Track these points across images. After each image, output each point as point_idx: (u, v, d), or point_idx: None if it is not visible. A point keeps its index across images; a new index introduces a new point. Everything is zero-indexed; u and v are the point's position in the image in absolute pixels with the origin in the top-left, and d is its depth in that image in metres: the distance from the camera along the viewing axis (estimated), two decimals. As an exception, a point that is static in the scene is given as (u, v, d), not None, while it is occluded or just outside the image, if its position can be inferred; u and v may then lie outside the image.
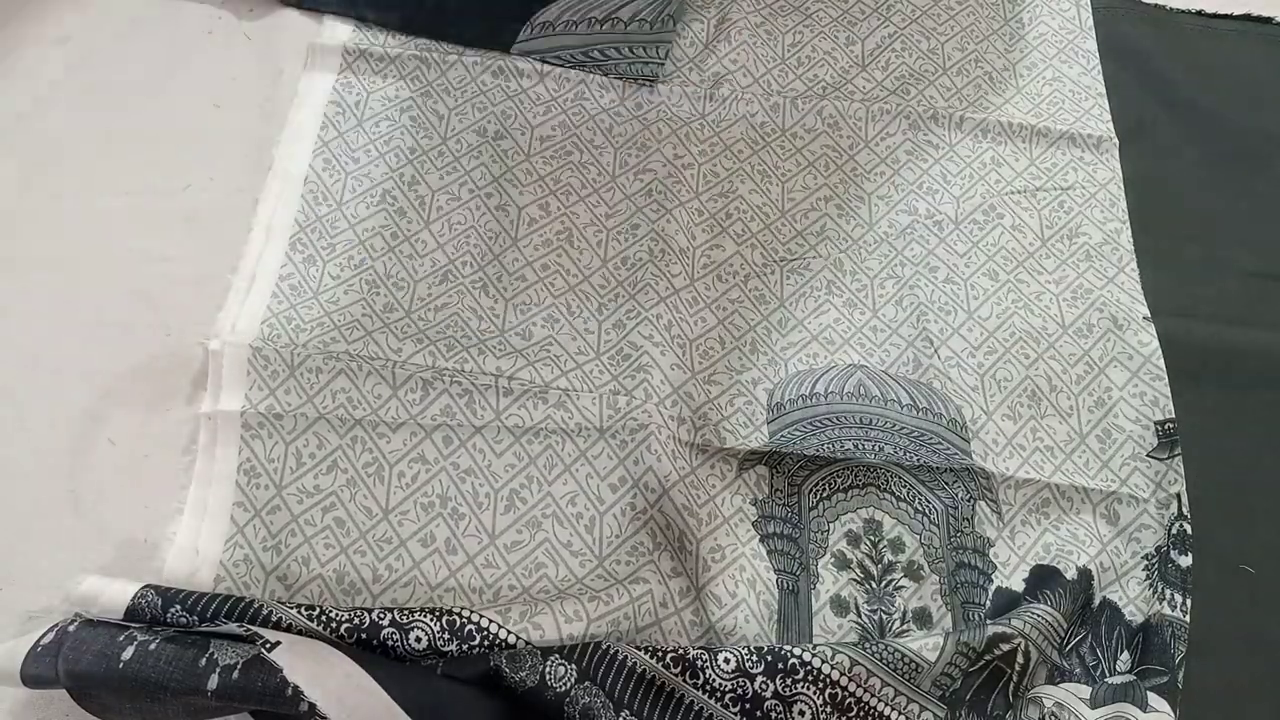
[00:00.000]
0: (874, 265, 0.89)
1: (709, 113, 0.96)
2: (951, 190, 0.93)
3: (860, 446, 0.76)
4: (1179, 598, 0.72)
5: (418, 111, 0.93)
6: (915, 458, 0.76)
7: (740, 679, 0.62)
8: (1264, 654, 0.71)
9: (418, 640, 0.62)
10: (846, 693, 0.63)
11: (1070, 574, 0.72)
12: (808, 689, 0.62)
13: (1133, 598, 0.73)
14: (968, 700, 0.66)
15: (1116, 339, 0.84)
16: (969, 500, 0.75)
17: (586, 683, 0.60)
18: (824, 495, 0.75)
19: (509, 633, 0.63)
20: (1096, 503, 0.77)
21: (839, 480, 0.76)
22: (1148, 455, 0.79)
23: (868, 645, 0.65)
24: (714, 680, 0.62)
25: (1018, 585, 0.73)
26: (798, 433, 0.77)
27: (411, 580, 0.70)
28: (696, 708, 0.61)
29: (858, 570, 0.73)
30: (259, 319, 0.78)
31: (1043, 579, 0.72)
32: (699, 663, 0.62)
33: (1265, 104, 1.01)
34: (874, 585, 0.73)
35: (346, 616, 0.62)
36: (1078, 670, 0.70)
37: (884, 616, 0.71)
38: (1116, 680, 0.69)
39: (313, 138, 0.89)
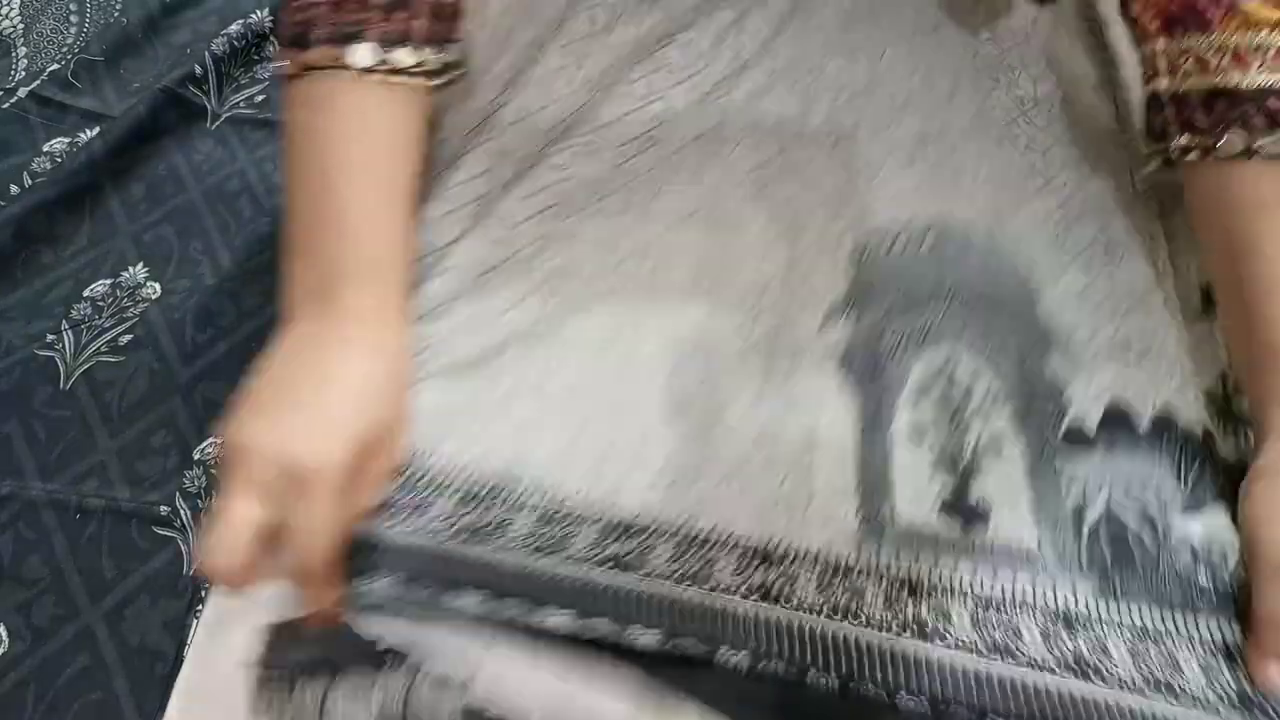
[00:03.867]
0: (964, 123, 0.85)
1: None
2: (1030, 70, 0.88)
3: (939, 289, 0.74)
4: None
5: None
6: (991, 302, 0.74)
7: (895, 607, 0.61)
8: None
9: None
10: (985, 596, 0.61)
11: (1143, 426, 0.69)
12: (953, 601, 0.61)
13: (1196, 418, 0.69)
14: (1112, 563, 0.62)
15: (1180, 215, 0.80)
16: (1042, 346, 0.73)
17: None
18: (906, 333, 0.73)
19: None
20: (1176, 340, 0.72)
21: (920, 319, 0.74)
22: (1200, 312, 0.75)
23: (966, 549, 0.62)
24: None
25: (1092, 422, 0.68)
26: (884, 270, 0.76)
27: None
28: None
29: (938, 400, 0.71)
30: None
31: (1116, 423, 0.69)
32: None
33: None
34: (952, 414, 0.70)
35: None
36: (1208, 498, 0.65)
37: (961, 442, 0.69)
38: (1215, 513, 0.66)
39: None
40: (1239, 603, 0.60)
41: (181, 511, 0.67)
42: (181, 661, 0.62)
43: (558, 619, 0.58)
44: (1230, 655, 0.59)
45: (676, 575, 0.61)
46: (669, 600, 0.60)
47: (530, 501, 0.64)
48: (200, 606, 0.64)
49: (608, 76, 0.86)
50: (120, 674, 0.61)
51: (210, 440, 0.70)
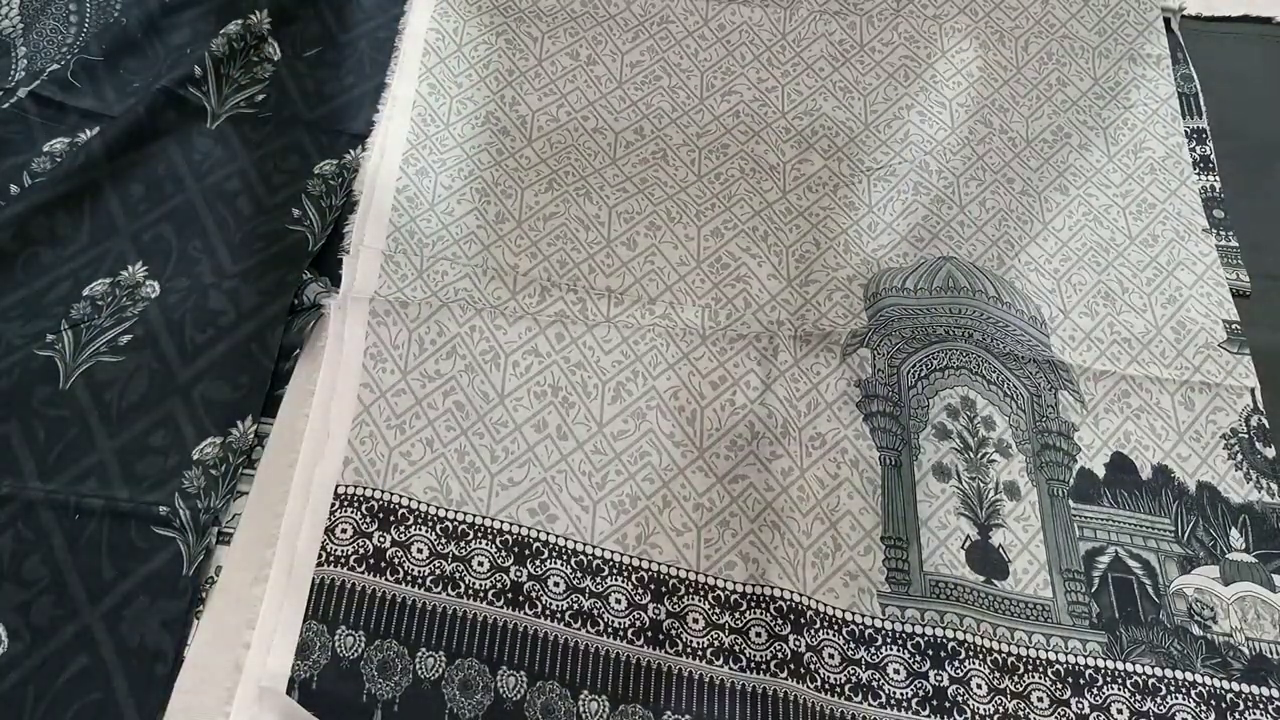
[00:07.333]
0: (958, 165, 0.87)
1: (789, 32, 0.95)
2: (1020, 110, 0.91)
3: (951, 332, 0.76)
4: (1275, 486, 0.72)
5: (512, 34, 0.94)
6: (1002, 345, 0.76)
7: (917, 680, 0.63)
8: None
9: (556, 585, 0.65)
10: (1004, 655, 0.64)
11: (1145, 474, 0.72)
12: (974, 663, 0.63)
13: (1224, 475, 0.73)
14: (1119, 617, 0.66)
15: (1180, 247, 0.83)
16: (1051, 389, 0.75)
17: (540, 683, 0.62)
18: (922, 375, 0.75)
19: (631, 557, 0.66)
20: (1173, 392, 0.75)
21: (935, 360, 0.75)
22: (1219, 345, 0.78)
23: (988, 603, 0.65)
24: (891, 692, 0.62)
25: (1099, 469, 0.72)
26: (895, 313, 0.78)
27: (527, 461, 0.70)
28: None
29: (958, 440, 0.72)
30: (385, 233, 0.79)
31: (1120, 471, 0.72)
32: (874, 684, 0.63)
33: (1265, 105, 0.94)
34: (972, 455, 0.72)
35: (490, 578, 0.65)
36: (1201, 554, 0.69)
37: (981, 485, 0.71)
38: (1237, 558, 0.69)
39: (416, 64, 0.91)
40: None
41: (181, 512, 0.65)
42: (181, 661, 0.61)
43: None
44: (1220, 706, 0.62)
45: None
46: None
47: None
48: (200, 607, 0.63)
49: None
50: (120, 674, 0.60)
51: (210, 440, 0.68)
